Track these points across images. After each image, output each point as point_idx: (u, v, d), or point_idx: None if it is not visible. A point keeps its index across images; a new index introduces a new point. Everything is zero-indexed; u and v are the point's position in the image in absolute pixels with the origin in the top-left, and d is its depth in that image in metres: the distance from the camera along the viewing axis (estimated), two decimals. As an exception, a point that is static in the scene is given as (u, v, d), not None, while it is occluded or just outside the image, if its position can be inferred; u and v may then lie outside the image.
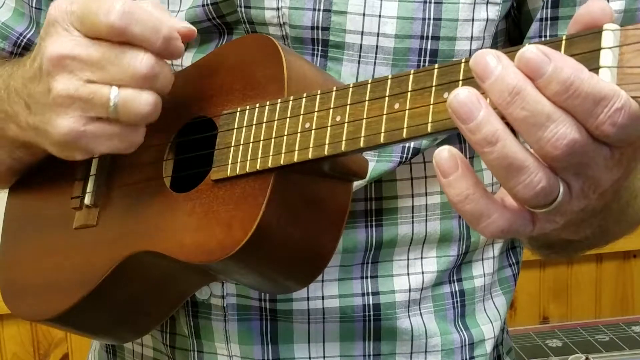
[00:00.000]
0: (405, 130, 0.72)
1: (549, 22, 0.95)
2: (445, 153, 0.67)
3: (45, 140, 0.87)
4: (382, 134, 0.74)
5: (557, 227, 0.70)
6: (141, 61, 0.81)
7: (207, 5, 0.97)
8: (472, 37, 0.94)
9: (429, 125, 0.71)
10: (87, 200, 0.94)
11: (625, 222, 0.90)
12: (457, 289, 1.04)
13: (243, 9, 0.95)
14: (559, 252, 0.97)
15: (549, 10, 0.95)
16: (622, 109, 0.63)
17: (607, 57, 0.63)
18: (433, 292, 1.03)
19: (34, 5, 1.09)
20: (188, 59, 0.99)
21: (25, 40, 1.09)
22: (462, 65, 0.70)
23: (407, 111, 0.72)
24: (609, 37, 0.63)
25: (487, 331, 1.05)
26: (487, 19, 0.94)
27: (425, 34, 0.93)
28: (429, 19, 0.93)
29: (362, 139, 0.75)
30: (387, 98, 0.74)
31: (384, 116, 0.74)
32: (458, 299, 1.04)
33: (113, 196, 0.93)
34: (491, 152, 0.65)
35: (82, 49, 0.82)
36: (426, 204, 1.00)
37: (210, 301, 1.00)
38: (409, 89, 0.73)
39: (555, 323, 2.49)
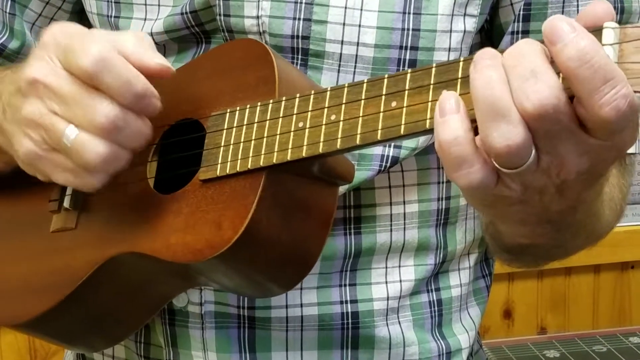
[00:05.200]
0: (403, 127, 0.73)
1: (519, 35, 0.96)
2: (452, 97, 0.69)
3: (12, 151, 0.88)
4: (379, 131, 0.74)
5: (513, 197, 0.71)
6: (102, 111, 0.80)
7: (186, 13, 0.97)
8: (449, 48, 0.95)
9: (427, 121, 0.71)
10: (66, 203, 0.94)
11: (583, 236, 0.90)
12: (434, 298, 1.04)
13: (222, 17, 0.95)
14: (518, 258, 0.98)
15: (520, 23, 0.96)
16: (628, 96, 0.64)
17: (608, 53, 0.65)
18: (411, 301, 1.03)
19: (7, 10, 1.09)
20: None
21: None
22: (461, 64, 0.71)
23: (404, 108, 0.73)
24: (610, 34, 0.66)
25: (463, 340, 1.06)
26: (465, 31, 0.95)
27: (404, 44, 0.94)
28: (408, 29, 0.93)
29: (358, 136, 0.76)
30: (383, 96, 0.75)
31: (381, 114, 0.75)
32: (435, 308, 1.04)
33: (93, 199, 0.93)
34: (478, 79, 0.67)
35: (55, 79, 0.82)
36: (404, 213, 1.00)
37: (188, 309, 1.00)
38: (407, 87, 0.74)
39: (552, 334, 2.49)
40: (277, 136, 0.81)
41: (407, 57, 0.94)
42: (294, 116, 0.80)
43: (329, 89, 0.79)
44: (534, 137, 0.67)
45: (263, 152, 0.81)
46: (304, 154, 0.79)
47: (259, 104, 0.83)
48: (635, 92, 0.65)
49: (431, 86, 0.72)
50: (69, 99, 0.81)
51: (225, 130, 0.85)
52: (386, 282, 1.01)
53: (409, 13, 0.93)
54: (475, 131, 0.69)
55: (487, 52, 0.68)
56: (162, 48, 1.01)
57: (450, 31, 0.94)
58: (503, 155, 0.67)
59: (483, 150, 0.69)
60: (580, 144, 0.67)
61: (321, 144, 0.78)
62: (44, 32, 0.85)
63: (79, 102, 0.81)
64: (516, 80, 0.66)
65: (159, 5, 1.00)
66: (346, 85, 0.78)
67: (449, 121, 0.68)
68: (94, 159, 0.81)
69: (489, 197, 0.71)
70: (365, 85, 0.77)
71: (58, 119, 0.82)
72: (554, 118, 0.66)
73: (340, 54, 0.94)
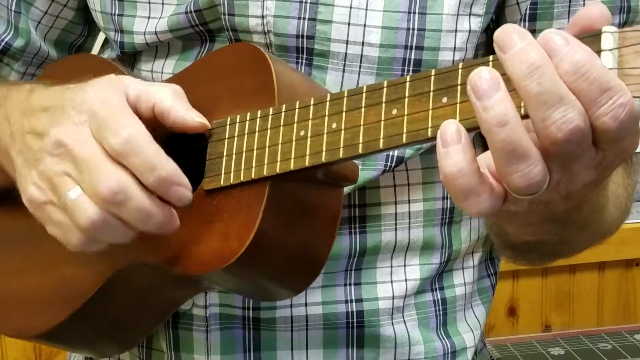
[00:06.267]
0: (405, 135, 0.72)
1: None
2: (453, 126, 0.67)
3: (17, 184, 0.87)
4: (382, 140, 0.74)
5: (519, 210, 0.70)
6: (106, 182, 0.79)
7: (190, 12, 0.97)
8: (455, 48, 0.94)
9: (429, 130, 0.70)
10: None
11: (589, 233, 0.89)
12: (439, 297, 1.04)
13: (227, 17, 0.95)
14: (523, 256, 0.98)
15: (527, 23, 0.96)
16: (627, 105, 0.63)
17: (607, 59, 0.64)
18: (416, 300, 1.03)
19: (13, 8, 1.09)
20: (170, 67, 1.00)
21: (3, 43, 1.09)
22: (460, 71, 0.70)
23: (405, 116, 0.72)
24: (609, 39, 0.64)
25: (468, 339, 1.06)
26: (470, 30, 0.95)
27: (409, 44, 0.94)
28: (413, 29, 0.93)
29: (360, 145, 0.75)
30: (384, 104, 0.74)
31: (382, 122, 0.74)
32: (440, 307, 1.04)
33: None
34: (499, 133, 0.65)
35: (79, 145, 0.81)
36: (409, 212, 1.00)
37: (193, 311, 1.00)
38: (407, 94, 0.73)
39: (557, 331, 2.49)
40: (279, 145, 0.80)
41: (412, 57, 0.94)
42: (295, 125, 0.80)
43: (328, 96, 0.78)
44: (550, 162, 0.66)
45: (266, 162, 0.80)
46: (307, 164, 0.78)
47: (259, 112, 0.83)
48: (635, 97, 0.64)
49: (431, 93, 0.71)
50: (84, 164, 0.80)
51: (227, 140, 0.84)
52: (391, 281, 1.01)
53: (414, 13, 0.93)
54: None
55: (492, 79, 0.65)
56: (166, 46, 1.02)
57: (456, 31, 0.94)
58: (522, 190, 0.66)
59: (490, 176, 0.68)
60: (590, 159, 0.67)
61: (324, 153, 0.77)
62: (81, 90, 0.84)
63: (91, 170, 0.80)
64: (542, 110, 0.64)
65: (162, 3, 1.00)
66: (345, 92, 0.77)
67: (451, 153, 0.66)
68: (84, 222, 0.80)
69: (495, 212, 0.70)
70: (364, 92, 0.76)
71: (68, 180, 0.81)
72: (579, 141, 0.65)
73: (345, 53, 0.94)
